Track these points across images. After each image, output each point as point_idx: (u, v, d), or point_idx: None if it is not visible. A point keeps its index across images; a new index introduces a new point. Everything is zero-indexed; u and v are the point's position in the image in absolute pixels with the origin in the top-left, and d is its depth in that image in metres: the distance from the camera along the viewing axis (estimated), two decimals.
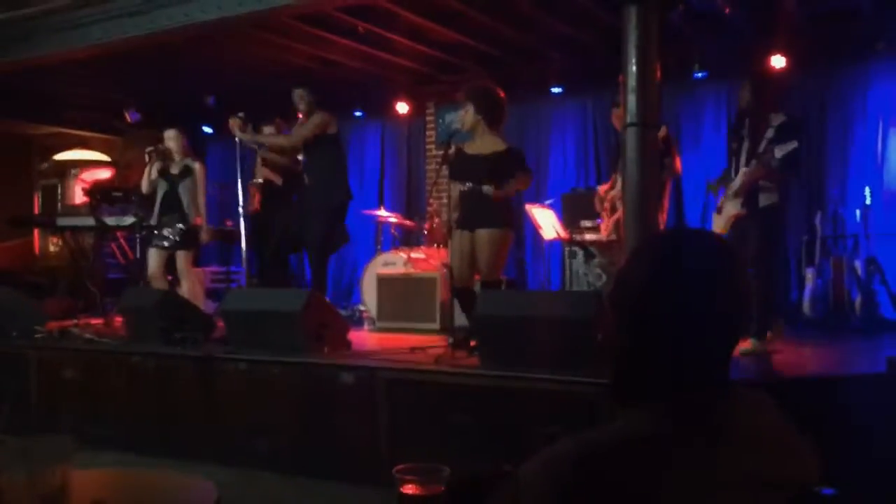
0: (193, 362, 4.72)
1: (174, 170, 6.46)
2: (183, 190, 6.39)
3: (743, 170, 4.61)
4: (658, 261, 1.18)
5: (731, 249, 1.20)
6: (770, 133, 4.48)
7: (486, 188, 4.75)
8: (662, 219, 5.65)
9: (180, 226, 6.30)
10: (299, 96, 6.04)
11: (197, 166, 6.48)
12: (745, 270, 1.19)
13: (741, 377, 3.56)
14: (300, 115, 6.13)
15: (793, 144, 4.42)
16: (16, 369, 5.28)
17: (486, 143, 4.91)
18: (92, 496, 1.88)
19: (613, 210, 5.67)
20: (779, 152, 4.41)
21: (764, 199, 4.56)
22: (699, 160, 7.19)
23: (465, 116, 4.98)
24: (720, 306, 1.13)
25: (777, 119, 4.54)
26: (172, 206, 6.39)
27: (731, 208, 4.67)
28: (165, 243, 6.33)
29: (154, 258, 6.35)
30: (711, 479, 1.05)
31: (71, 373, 5.08)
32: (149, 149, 6.46)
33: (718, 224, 4.76)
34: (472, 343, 4.51)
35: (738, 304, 1.16)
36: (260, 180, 6.02)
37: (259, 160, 6.70)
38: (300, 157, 6.21)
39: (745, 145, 4.63)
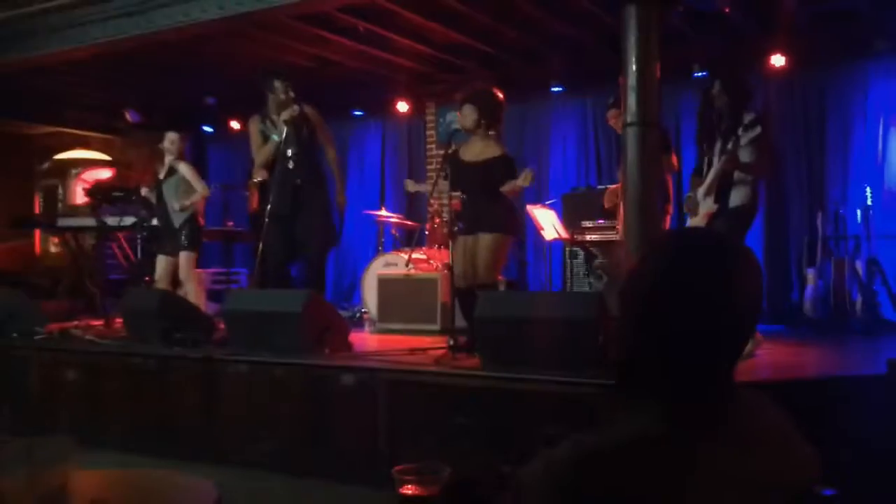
0: (194, 363, 4.72)
1: (160, 174, 6.45)
2: (168, 191, 6.33)
3: (713, 168, 4.62)
4: (668, 260, 1.18)
5: (742, 251, 1.20)
6: (741, 131, 4.50)
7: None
8: (669, 210, 5.67)
9: (176, 229, 6.30)
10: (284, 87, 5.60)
11: (181, 165, 6.37)
12: (756, 272, 1.18)
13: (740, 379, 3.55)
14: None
15: (756, 130, 4.42)
16: (16, 370, 5.27)
17: (482, 149, 4.92)
18: (92, 496, 1.88)
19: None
20: (744, 139, 4.42)
21: (735, 199, 4.56)
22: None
23: (463, 119, 5.01)
24: (729, 308, 1.13)
25: (748, 117, 4.55)
26: (163, 211, 6.39)
27: (705, 207, 4.67)
28: (165, 247, 6.35)
29: (159, 264, 6.40)
30: (712, 480, 1.05)
31: (71, 374, 5.07)
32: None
33: (695, 225, 4.76)
34: (463, 340, 4.52)
35: (746, 306, 1.15)
36: (258, 179, 5.93)
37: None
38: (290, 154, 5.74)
39: (718, 146, 4.64)
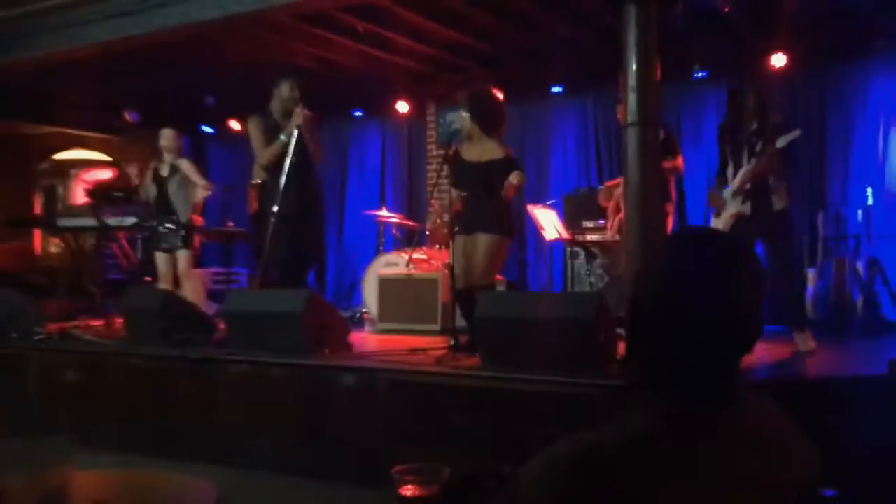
0: (194, 364, 4.72)
1: (163, 171, 6.49)
2: (173, 190, 6.41)
3: (743, 169, 4.62)
4: (670, 261, 1.18)
5: (748, 252, 1.20)
6: (769, 133, 4.51)
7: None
8: (670, 210, 5.67)
9: (172, 226, 6.32)
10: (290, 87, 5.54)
11: (183, 163, 6.46)
12: (760, 274, 1.18)
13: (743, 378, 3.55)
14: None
15: (796, 133, 4.43)
16: (16, 371, 5.27)
17: (483, 150, 4.93)
18: (92, 497, 1.88)
19: (619, 209, 5.69)
20: (781, 142, 4.42)
21: (777, 203, 4.58)
22: (700, 159, 7.19)
23: (461, 121, 5.05)
24: (730, 308, 1.12)
25: (775, 119, 4.57)
26: (164, 208, 6.43)
27: (732, 207, 4.67)
28: (164, 245, 6.37)
29: (160, 262, 6.42)
30: (712, 480, 1.04)
31: (71, 374, 5.07)
32: (151, 164, 6.55)
33: (717, 225, 4.77)
34: (463, 340, 4.52)
35: (748, 307, 1.15)
36: (258, 181, 5.91)
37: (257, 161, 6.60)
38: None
39: (746, 150, 4.64)
